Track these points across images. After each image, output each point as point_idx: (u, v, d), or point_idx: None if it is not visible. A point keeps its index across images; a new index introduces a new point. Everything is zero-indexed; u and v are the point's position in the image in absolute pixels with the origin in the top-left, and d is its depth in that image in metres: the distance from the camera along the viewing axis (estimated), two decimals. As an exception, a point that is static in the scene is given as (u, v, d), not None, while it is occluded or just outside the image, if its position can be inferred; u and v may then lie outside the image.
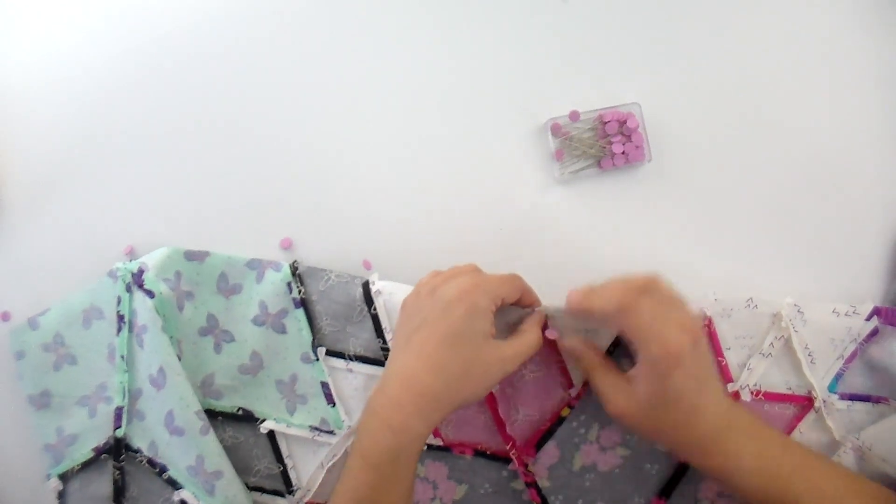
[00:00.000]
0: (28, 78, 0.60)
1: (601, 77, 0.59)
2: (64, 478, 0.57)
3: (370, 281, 0.57)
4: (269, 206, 0.59)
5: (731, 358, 0.56)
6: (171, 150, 0.59)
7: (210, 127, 0.59)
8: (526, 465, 0.56)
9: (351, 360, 0.57)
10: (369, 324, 0.57)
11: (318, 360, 0.57)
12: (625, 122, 0.57)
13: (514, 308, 0.53)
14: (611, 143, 0.58)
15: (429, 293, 0.49)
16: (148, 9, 0.60)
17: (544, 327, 0.53)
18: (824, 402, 0.55)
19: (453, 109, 0.59)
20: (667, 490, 0.56)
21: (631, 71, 0.59)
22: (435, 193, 0.59)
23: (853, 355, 0.55)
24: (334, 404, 0.57)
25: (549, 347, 0.56)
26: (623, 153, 0.58)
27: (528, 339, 0.51)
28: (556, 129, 0.58)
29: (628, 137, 0.58)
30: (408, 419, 0.46)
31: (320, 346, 0.57)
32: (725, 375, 0.56)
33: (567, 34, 0.59)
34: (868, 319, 0.55)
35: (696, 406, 0.47)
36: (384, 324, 0.56)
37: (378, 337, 0.56)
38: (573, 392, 0.56)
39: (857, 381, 0.56)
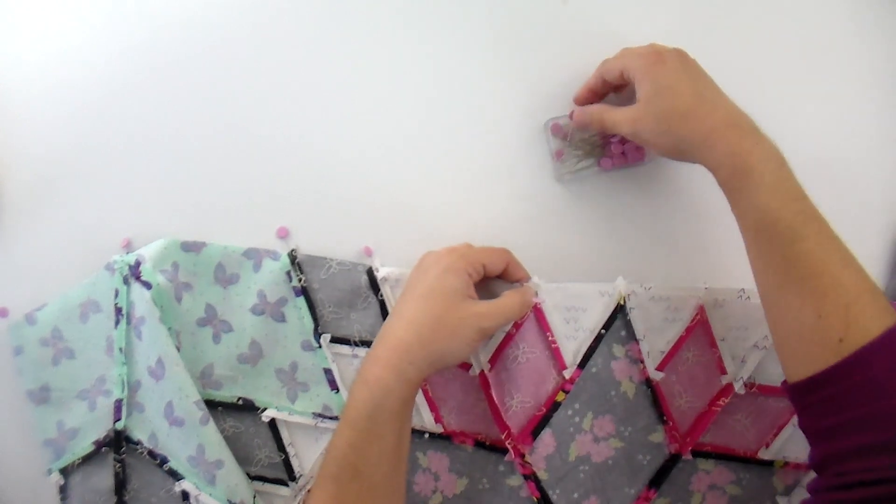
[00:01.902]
0: (25, 74, 0.60)
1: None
2: (65, 472, 0.57)
3: (374, 268, 0.57)
4: (264, 196, 0.59)
5: (725, 350, 0.56)
6: (166, 141, 0.59)
7: (205, 118, 0.59)
8: (523, 456, 0.56)
9: (356, 345, 0.57)
10: (375, 309, 0.57)
11: (319, 347, 0.57)
12: None
13: (502, 282, 0.54)
14: (610, 143, 0.58)
15: (416, 265, 0.52)
16: (145, 4, 0.60)
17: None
18: None
19: (452, 108, 0.59)
20: (657, 480, 0.56)
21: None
22: (433, 192, 0.59)
23: None
24: (338, 390, 0.57)
25: (541, 329, 0.56)
26: (622, 153, 0.58)
27: (505, 300, 0.51)
28: (555, 129, 0.58)
29: None
30: (382, 372, 0.47)
31: (324, 333, 0.57)
32: (719, 367, 0.56)
33: (565, 34, 0.59)
34: None
35: (699, 99, 0.48)
36: (391, 310, 0.57)
37: (383, 321, 0.57)
38: (567, 374, 0.56)
39: None
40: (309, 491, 0.57)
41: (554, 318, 0.56)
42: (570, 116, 0.57)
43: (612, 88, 0.56)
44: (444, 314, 0.48)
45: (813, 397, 0.43)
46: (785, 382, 0.47)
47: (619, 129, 0.52)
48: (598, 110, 0.54)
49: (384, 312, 0.58)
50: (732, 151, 0.46)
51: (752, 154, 0.46)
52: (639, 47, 0.53)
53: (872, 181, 0.59)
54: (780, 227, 0.44)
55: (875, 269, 0.59)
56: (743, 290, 0.56)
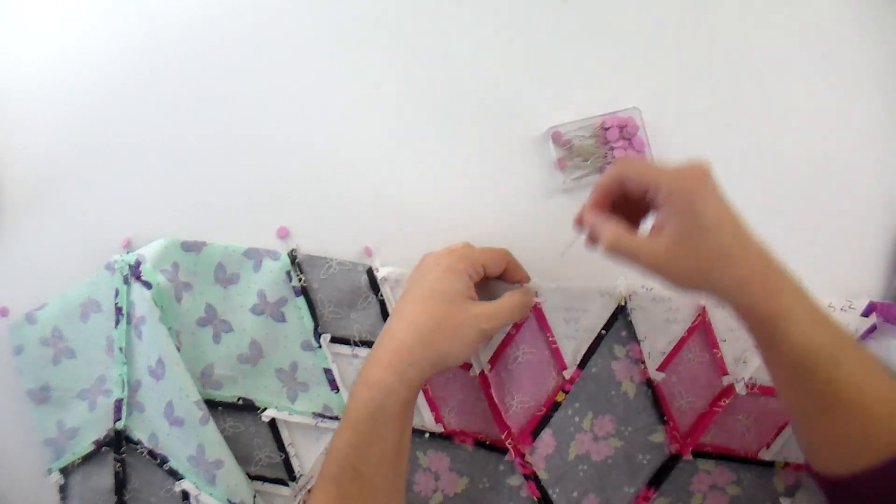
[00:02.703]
0: (26, 74, 0.60)
1: (600, 83, 0.59)
2: (65, 471, 0.57)
3: (374, 268, 0.57)
4: (265, 196, 0.59)
5: (726, 351, 0.56)
6: (167, 141, 0.59)
7: (205, 118, 0.59)
8: (523, 456, 0.56)
9: (356, 345, 0.57)
10: (375, 309, 0.57)
11: (319, 347, 0.57)
12: (625, 126, 0.58)
13: (502, 283, 0.54)
14: (612, 149, 0.58)
15: (416, 266, 0.52)
16: (145, 4, 0.60)
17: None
18: None
19: (453, 110, 0.59)
20: (657, 480, 0.56)
21: (629, 76, 0.59)
22: (434, 193, 0.59)
23: None
24: (338, 390, 0.57)
25: (541, 329, 0.56)
26: None
27: (506, 301, 0.51)
28: (556, 137, 0.58)
29: (629, 142, 0.58)
30: (383, 374, 0.47)
31: (324, 333, 0.57)
32: (720, 368, 0.56)
33: (564, 43, 0.59)
34: (866, 315, 0.56)
35: (739, 231, 0.44)
36: (391, 310, 0.57)
37: (383, 321, 0.57)
38: (567, 374, 0.56)
39: None
40: (309, 492, 0.57)
41: (554, 319, 0.56)
42: (578, 222, 0.49)
43: (624, 198, 0.48)
44: (446, 316, 0.48)
45: (854, 492, 0.43)
46: (809, 467, 0.47)
47: (642, 265, 0.45)
48: (615, 235, 0.45)
49: (384, 312, 0.57)
50: (767, 296, 0.44)
51: (784, 293, 0.44)
52: (670, 165, 0.44)
53: (872, 181, 0.59)
54: (822, 358, 0.43)
55: (875, 269, 0.59)
56: None
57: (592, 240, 0.48)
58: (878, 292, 0.58)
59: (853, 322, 0.56)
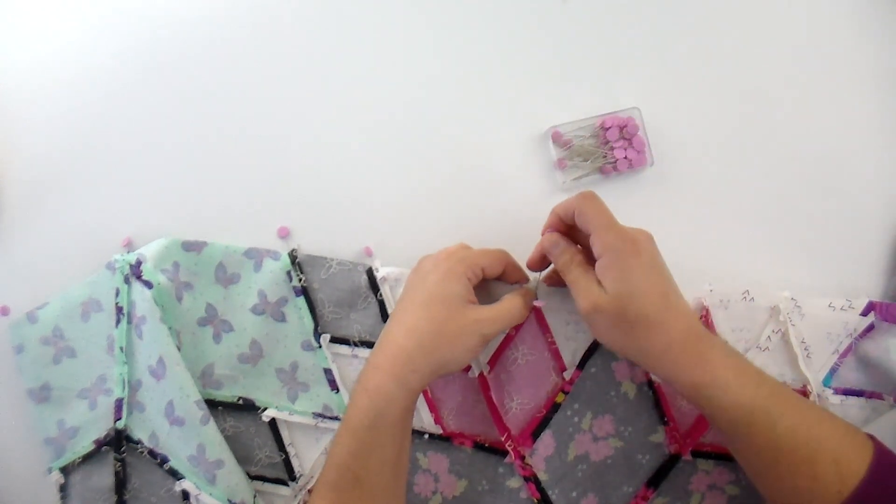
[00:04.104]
0: (25, 73, 0.60)
1: (599, 82, 0.59)
2: (65, 471, 0.57)
3: (374, 268, 0.57)
4: (266, 196, 0.59)
5: (728, 350, 0.56)
6: (168, 141, 0.59)
7: (206, 118, 0.59)
8: (523, 458, 0.56)
9: (356, 346, 0.57)
10: (375, 310, 0.57)
11: (320, 347, 0.57)
12: (625, 126, 0.58)
13: (501, 284, 0.54)
14: (612, 148, 0.58)
15: (415, 269, 0.52)
16: (145, 4, 0.60)
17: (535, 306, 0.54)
18: (819, 396, 0.55)
19: (453, 111, 0.59)
20: (655, 480, 0.56)
21: (629, 75, 0.59)
22: (434, 194, 0.59)
23: (847, 350, 0.56)
24: (338, 390, 0.57)
25: (541, 330, 0.56)
26: (626, 158, 0.58)
27: (506, 304, 0.51)
28: (556, 137, 0.58)
29: (629, 142, 0.58)
30: (383, 380, 0.47)
31: (323, 333, 0.57)
32: None
33: (564, 43, 0.59)
34: (864, 314, 0.56)
35: (665, 302, 0.46)
36: (390, 310, 0.57)
37: (383, 322, 0.57)
38: (567, 375, 0.56)
39: (851, 376, 0.56)
40: (309, 492, 0.57)
41: (554, 320, 0.56)
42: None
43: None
44: (446, 322, 0.48)
45: None
46: None
47: (576, 298, 0.48)
48: (567, 259, 0.49)
49: (384, 313, 0.57)
50: (690, 366, 0.46)
51: (708, 361, 0.46)
52: (613, 225, 0.47)
53: (872, 181, 0.59)
54: (756, 418, 0.45)
55: (875, 269, 0.59)
56: (747, 291, 0.56)
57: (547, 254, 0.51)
58: (878, 292, 0.58)
59: (852, 321, 0.56)
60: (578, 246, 0.51)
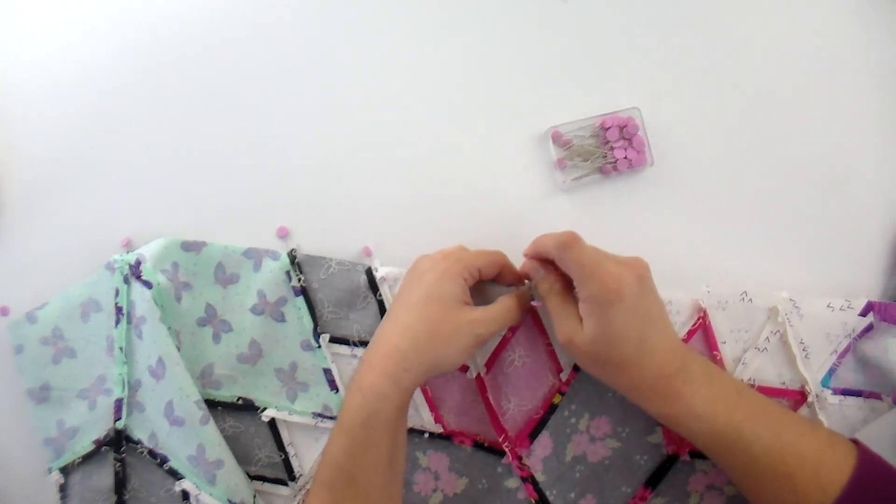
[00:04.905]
0: (25, 73, 0.60)
1: (599, 82, 0.59)
2: (65, 471, 0.57)
3: (373, 268, 0.57)
4: (265, 196, 0.59)
5: (726, 352, 0.56)
6: (167, 141, 0.59)
7: (205, 118, 0.59)
8: (520, 459, 0.56)
9: (355, 345, 0.57)
10: (374, 310, 0.57)
11: (319, 347, 0.57)
12: (625, 126, 0.58)
13: (497, 286, 0.54)
14: (612, 148, 0.58)
15: (411, 268, 0.52)
16: (145, 4, 0.60)
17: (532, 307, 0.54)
18: (817, 396, 0.55)
19: (453, 111, 0.59)
20: (654, 480, 0.56)
21: (629, 75, 0.59)
22: (434, 194, 0.59)
23: (846, 350, 0.56)
24: (338, 390, 0.57)
25: (537, 332, 0.56)
26: (626, 158, 0.58)
27: (501, 306, 0.51)
28: (556, 137, 0.58)
29: (629, 142, 0.58)
30: (376, 380, 0.47)
31: (323, 333, 0.57)
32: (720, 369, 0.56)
33: (564, 43, 0.59)
34: (863, 315, 0.56)
35: (642, 346, 0.47)
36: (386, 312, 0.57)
37: (382, 321, 0.57)
38: (563, 376, 0.56)
39: (850, 377, 0.56)
40: (306, 494, 0.57)
41: (549, 321, 0.55)
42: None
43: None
44: (441, 321, 0.48)
45: None
46: None
47: (554, 328, 0.49)
48: (546, 288, 0.50)
49: (383, 313, 0.57)
50: (662, 399, 0.48)
51: (684, 393, 0.47)
52: (595, 274, 0.46)
53: (871, 181, 0.59)
54: (733, 440, 0.47)
55: (875, 269, 0.59)
56: (745, 292, 0.56)
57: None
58: (877, 292, 0.58)
59: (851, 322, 0.56)
60: (558, 272, 0.50)
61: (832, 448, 0.47)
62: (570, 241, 0.47)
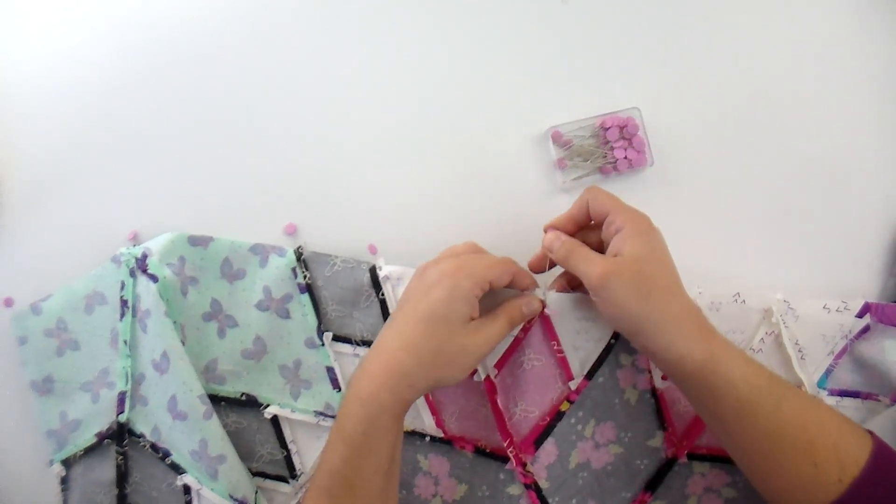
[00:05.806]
0: (31, 66, 0.60)
1: (600, 83, 0.60)
2: (67, 463, 0.57)
3: (377, 266, 0.57)
4: (273, 192, 0.59)
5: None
6: (175, 136, 0.60)
7: (214, 114, 0.60)
8: (524, 465, 0.55)
9: (358, 345, 0.58)
10: (376, 309, 0.57)
11: (323, 345, 0.57)
12: (625, 126, 0.58)
13: (507, 290, 0.53)
14: (612, 148, 0.58)
15: (418, 274, 0.50)
16: (148, 2, 0.61)
17: (543, 311, 0.54)
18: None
19: (456, 111, 0.60)
20: (653, 484, 0.57)
21: (629, 75, 0.60)
22: (438, 193, 0.59)
23: (843, 351, 0.56)
24: (340, 389, 0.57)
25: (548, 337, 0.56)
26: (626, 158, 0.58)
27: (504, 317, 0.50)
28: (556, 137, 0.58)
29: (629, 142, 0.58)
30: (377, 391, 0.46)
31: (326, 331, 0.57)
32: None
33: (564, 43, 0.60)
34: (860, 316, 0.56)
35: (678, 276, 0.48)
36: (392, 309, 0.57)
37: (384, 322, 0.57)
38: (573, 385, 0.55)
39: (847, 378, 0.56)
40: (302, 499, 0.57)
41: (562, 328, 0.55)
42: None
43: (588, 225, 0.52)
44: (447, 343, 0.47)
45: None
46: None
47: (585, 274, 0.48)
48: (570, 245, 0.50)
49: (385, 312, 0.57)
50: (703, 338, 0.46)
51: (716, 338, 0.47)
52: (628, 206, 0.49)
53: (870, 182, 0.59)
54: (762, 397, 0.46)
55: (875, 269, 0.59)
56: (738, 293, 0.56)
57: (548, 251, 0.52)
58: (875, 293, 0.59)
59: (847, 323, 0.56)
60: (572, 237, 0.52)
61: (849, 426, 0.47)
62: (596, 186, 0.50)
